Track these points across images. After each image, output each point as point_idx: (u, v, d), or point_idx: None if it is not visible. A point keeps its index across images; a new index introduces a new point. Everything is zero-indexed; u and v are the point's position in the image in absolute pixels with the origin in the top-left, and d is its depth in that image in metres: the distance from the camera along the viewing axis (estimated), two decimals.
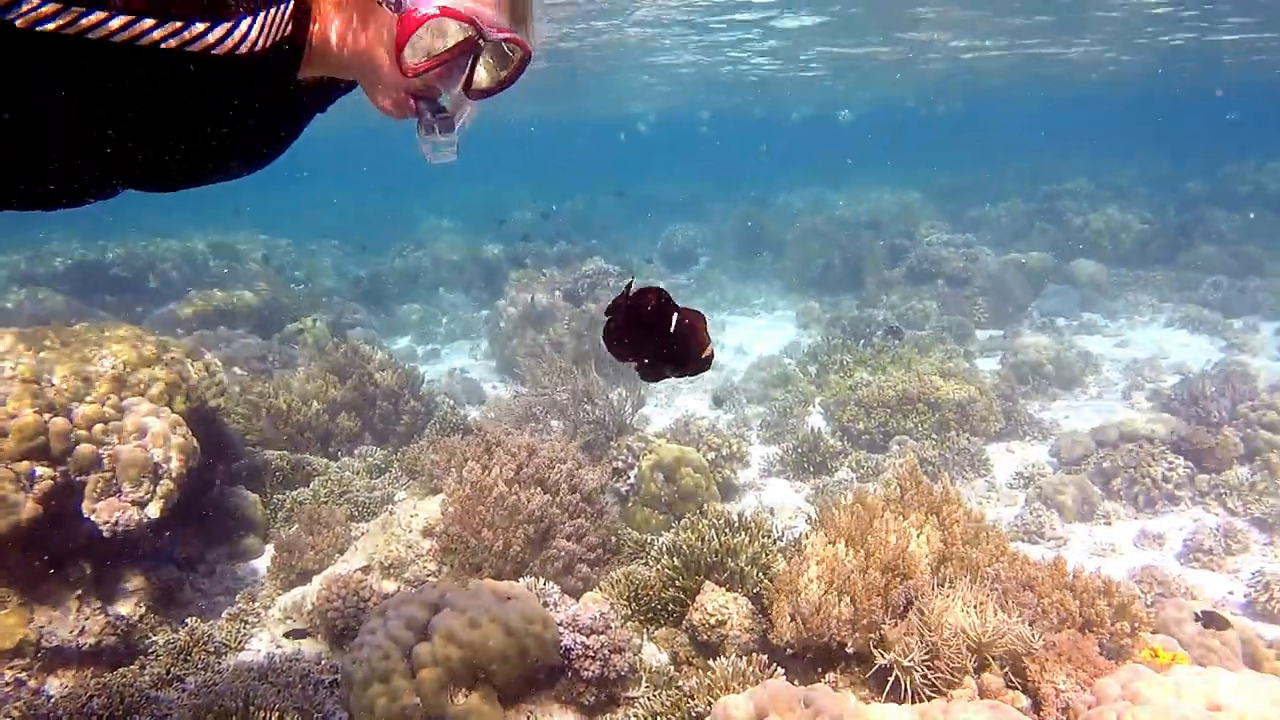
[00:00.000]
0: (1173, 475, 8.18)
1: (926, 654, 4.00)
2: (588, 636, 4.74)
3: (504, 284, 15.11)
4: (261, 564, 6.91)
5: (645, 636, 5.43)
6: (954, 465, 9.03)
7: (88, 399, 5.60)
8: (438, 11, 1.76)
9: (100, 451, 5.37)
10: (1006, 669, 3.90)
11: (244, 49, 1.62)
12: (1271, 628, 5.97)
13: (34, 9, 1.44)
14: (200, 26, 1.55)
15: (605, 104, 35.27)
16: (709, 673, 4.60)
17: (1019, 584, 4.38)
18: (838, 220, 22.29)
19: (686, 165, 44.39)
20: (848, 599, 4.33)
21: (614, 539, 6.61)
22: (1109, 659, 4.09)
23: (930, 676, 3.96)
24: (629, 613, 5.64)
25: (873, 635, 4.27)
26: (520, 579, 5.57)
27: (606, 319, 2.48)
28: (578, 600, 5.62)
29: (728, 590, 5.31)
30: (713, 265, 22.17)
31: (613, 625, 4.86)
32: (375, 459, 8.65)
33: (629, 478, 7.88)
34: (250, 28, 1.62)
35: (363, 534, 6.76)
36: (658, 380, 2.58)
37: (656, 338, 2.42)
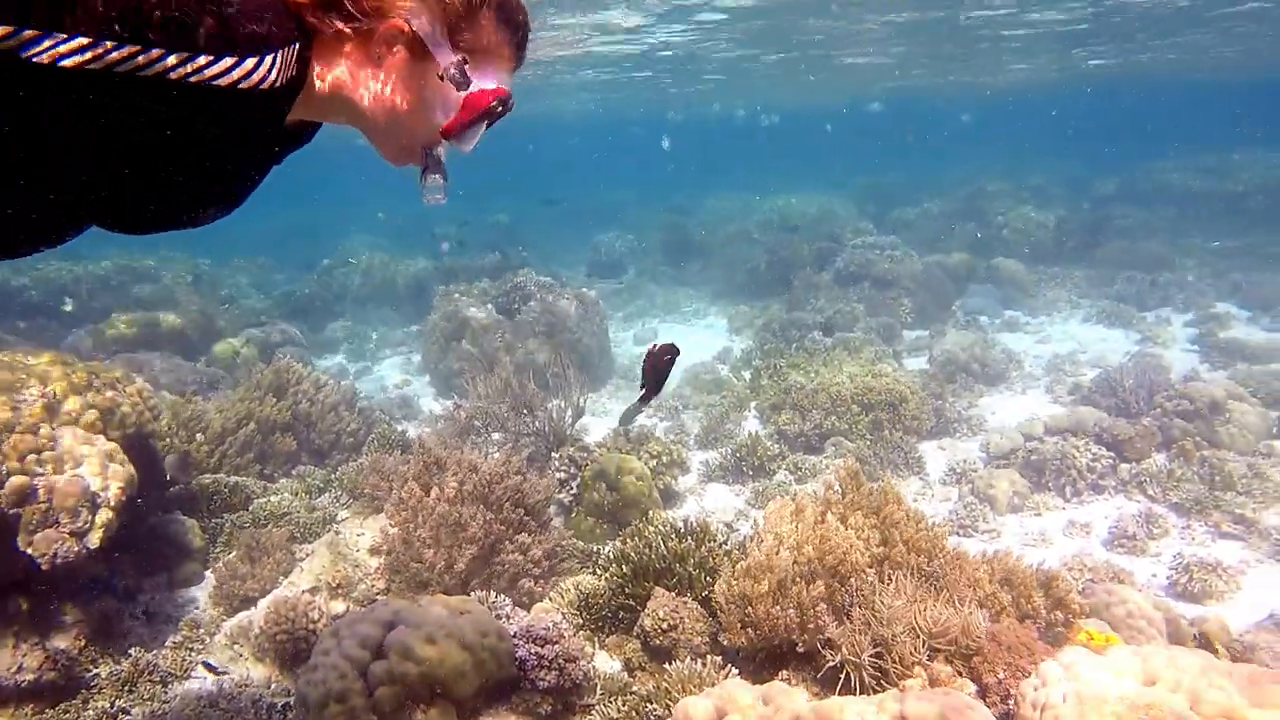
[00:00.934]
0: (1097, 465, 8.51)
1: (876, 649, 4.13)
2: (542, 647, 4.77)
3: (434, 298, 15.01)
4: (203, 591, 6.78)
5: (597, 645, 5.48)
6: (889, 464, 9.26)
7: (18, 429, 5.45)
8: (497, 91, 1.99)
9: (35, 483, 5.24)
10: (955, 659, 4.05)
11: (265, 86, 1.63)
12: (1192, 607, 6.27)
13: (60, 43, 1.40)
14: (228, 61, 1.54)
15: (531, 107, 35.19)
16: (665, 676, 4.67)
17: (961, 579, 4.54)
18: (764, 225, 22.58)
19: (611, 172, 44.54)
20: (794, 605, 4.43)
21: (560, 550, 6.64)
22: (1048, 645, 4.27)
23: (883, 668, 4.09)
24: (580, 622, 5.68)
25: (820, 636, 4.39)
26: (469, 594, 5.57)
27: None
28: (529, 612, 5.65)
29: (677, 595, 5.39)
30: (642, 273, 22.27)
31: (566, 634, 4.90)
32: (315, 479, 8.54)
33: (571, 488, 7.91)
34: (272, 66, 1.62)
35: (307, 555, 6.68)
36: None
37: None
